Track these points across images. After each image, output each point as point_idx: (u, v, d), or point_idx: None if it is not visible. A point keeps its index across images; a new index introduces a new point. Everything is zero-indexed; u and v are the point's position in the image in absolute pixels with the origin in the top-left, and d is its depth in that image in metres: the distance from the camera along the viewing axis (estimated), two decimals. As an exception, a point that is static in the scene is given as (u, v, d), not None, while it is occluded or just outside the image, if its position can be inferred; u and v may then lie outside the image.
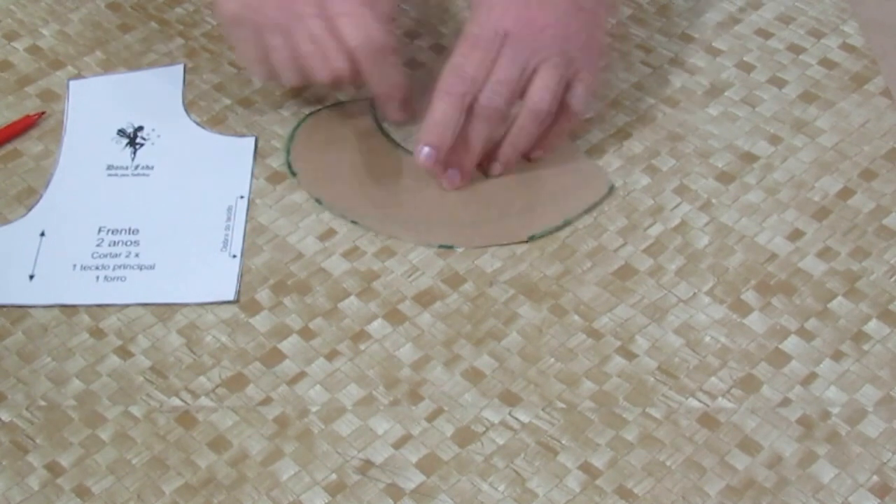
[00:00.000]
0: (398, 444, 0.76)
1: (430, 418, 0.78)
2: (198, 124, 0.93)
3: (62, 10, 1.02)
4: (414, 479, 0.75)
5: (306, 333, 0.82)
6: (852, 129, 0.93)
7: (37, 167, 0.91)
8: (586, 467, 0.75)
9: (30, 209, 0.88)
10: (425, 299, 0.83)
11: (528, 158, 0.90)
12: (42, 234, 0.87)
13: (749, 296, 0.83)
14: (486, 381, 0.79)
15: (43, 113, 0.94)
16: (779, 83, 0.96)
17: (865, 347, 0.80)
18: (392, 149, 0.92)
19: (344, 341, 0.81)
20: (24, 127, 0.93)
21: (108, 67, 0.97)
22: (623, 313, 0.82)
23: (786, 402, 0.78)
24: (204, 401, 0.78)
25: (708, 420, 0.77)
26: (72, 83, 0.96)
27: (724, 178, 0.90)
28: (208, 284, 0.84)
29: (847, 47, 0.98)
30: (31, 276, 0.84)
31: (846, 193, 0.89)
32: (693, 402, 0.78)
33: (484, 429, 0.77)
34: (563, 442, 0.76)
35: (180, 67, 0.97)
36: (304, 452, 0.76)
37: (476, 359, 0.80)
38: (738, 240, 0.86)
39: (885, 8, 1.01)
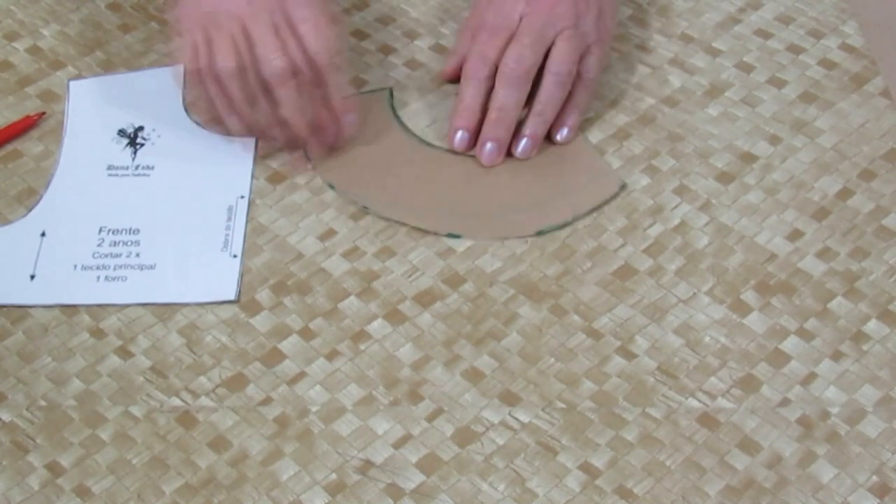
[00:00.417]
0: (398, 444, 0.76)
1: (430, 418, 0.78)
2: (198, 124, 0.93)
3: (62, 10, 1.02)
4: (414, 479, 0.75)
5: (306, 333, 0.82)
6: (852, 130, 0.93)
7: (37, 167, 0.91)
8: (586, 467, 0.75)
9: (30, 209, 0.88)
10: (425, 299, 0.83)
11: (552, 141, 0.91)
12: (42, 235, 0.87)
13: (749, 296, 0.83)
14: (486, 381, 0.79)
15: (43, 113, 0.94)
16: (778, 83, 0.96)
17: (865, 347, 0.80)
18: (407, 138, 0.92)
19: (344, 341, 0.81)
20: (24, 127, 0.93)
21: (108, 68, 0.97)
22: (623, 313, 0.82)
23: (785, 402, 0.78)
24: (204, 401, 0.79)
25: (708, 420, 0.77)
26: (72, 83, 0.96)
27: (724, 178, 0.90)
28: (209, 284, 0.84)
29: (847, 48, 0.98)
30: (32, 277, 0.84)
31: (846, 194, 0.89)
32: (693, 402, 0.78)
33: (484, 429, 0.77)
34: (563, 442, 0.76)
35: (180, 67, 0.97)
36: (304, 452, 0.76)
37: (476, 359, 0.80)
38: (738, 240, 0.86)
39: (885, 8, 1.01)
